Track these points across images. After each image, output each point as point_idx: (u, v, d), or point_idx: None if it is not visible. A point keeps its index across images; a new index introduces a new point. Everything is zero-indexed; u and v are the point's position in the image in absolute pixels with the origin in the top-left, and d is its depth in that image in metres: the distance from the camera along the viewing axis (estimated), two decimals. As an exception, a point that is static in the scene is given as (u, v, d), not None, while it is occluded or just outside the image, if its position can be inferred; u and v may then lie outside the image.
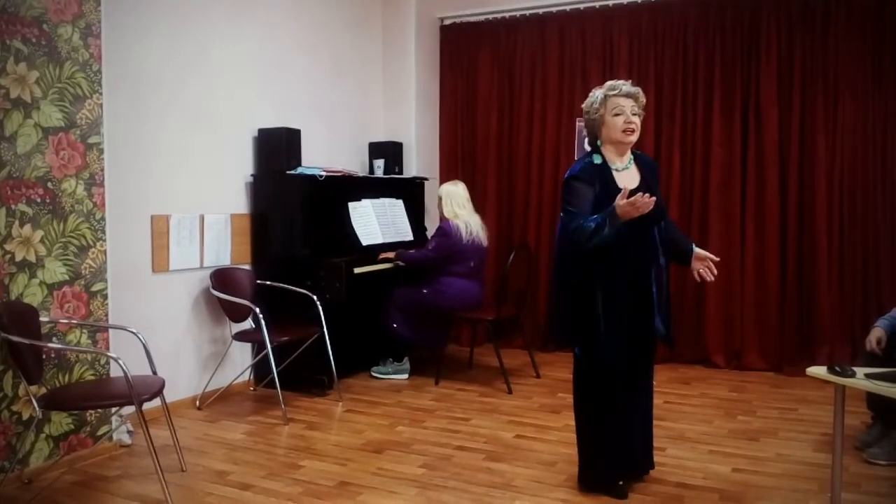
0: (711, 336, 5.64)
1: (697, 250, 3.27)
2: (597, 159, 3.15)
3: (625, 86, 3.12)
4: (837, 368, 2.92)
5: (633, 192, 2.95)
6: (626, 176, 3.14)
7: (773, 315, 5.48)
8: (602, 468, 3.26)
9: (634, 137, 3.12)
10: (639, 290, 3.13)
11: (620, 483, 3.24)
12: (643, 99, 3.17)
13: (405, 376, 5.36)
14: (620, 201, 2.86)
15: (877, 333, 3.60)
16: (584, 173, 3.13)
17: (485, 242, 5.25)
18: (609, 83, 3.17)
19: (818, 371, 2.99)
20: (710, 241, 5.59)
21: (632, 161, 3.20)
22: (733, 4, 5.56)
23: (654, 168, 3.33)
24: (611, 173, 3.13)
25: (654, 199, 2.84)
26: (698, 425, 4.24)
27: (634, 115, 3.10)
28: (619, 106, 3.08)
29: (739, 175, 5.58)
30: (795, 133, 5.42)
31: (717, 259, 3.29)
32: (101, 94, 3.77)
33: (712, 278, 3.24)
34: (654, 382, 3.49)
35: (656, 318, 3.17)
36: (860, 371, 2.92)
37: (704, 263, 3.24)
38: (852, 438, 3.76)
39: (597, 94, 3.17)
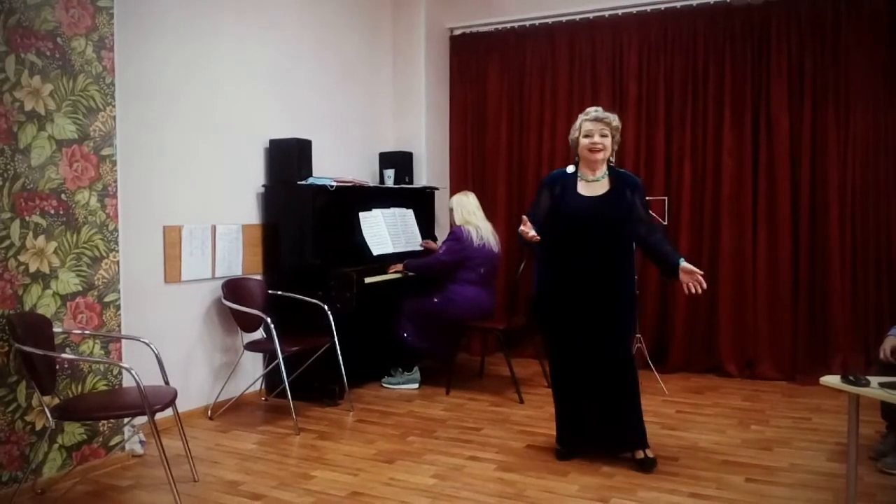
0: (724, 345, 5.60)
1: (684, 264, 3.55)
2: (570, 169, 3.75)
3: (595, 112, 3.66)
4: (851, 378, 2.90)
5: (597, 201, 3.61)
6: (594, 186, 3.66)
7: (786, 324, 5.45)
8: (558, 428, 3.92)
9: (600, 156, 3.63)
10: (575, 292, 3.61)
11: (560, 448, 3.86)
12: (615, 122, 3.67)
13: (416, 386, 5.36)
14: (521, 227, 3.55)
15: (891, 342, 3.56)
16: (550, 179, 3.79)
17: (496, 249, 5.25)
18: (587, 109, 3.73)
19: (832, 380, 2.97)
20: (722, 251, 5.58)
21: (605, 175, 3.67)
22: (742, 12, 5.56)
23: (634, 184, 3.71)
24: (575, 181, 3.68)
25: (534, 235, 3.51)
26: (711, 435, 4.22)
27: (604, 136, 3.61)
28: (589, 129, 3.64)
29: (751, 184, 5.56)
30: (807, 142, 5.40)
31: (702, 273, 3.52)
32: (114, 106, 3.80)
33: (700, 291, 3.52)
34: (638, 381, 3.78)
35: (597, 326, 3.63)
36: (874, 380, 2.90)
37: (693, 278, 3.51)
38: (867, 448, 3.72)
39: (578, 119, 3.73)
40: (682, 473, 3.61)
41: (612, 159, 3.73)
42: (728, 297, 5.58)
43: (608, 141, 3.63)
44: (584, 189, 3.66)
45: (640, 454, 3.68)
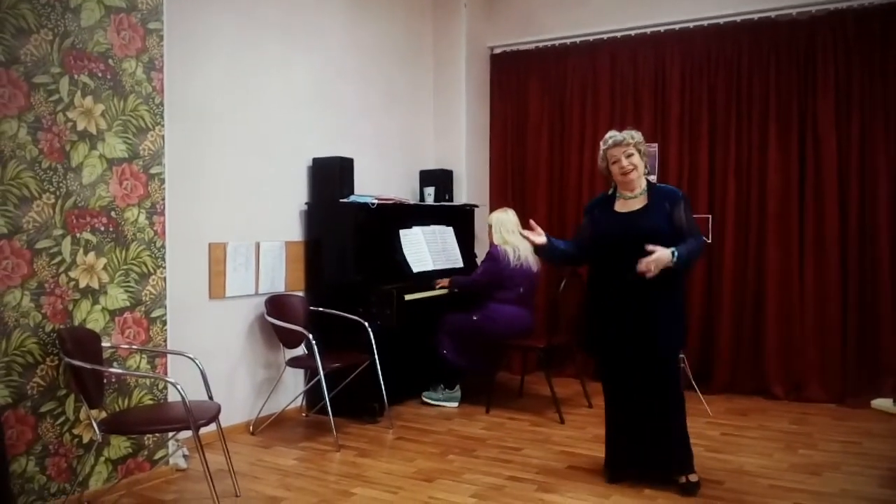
0: (770, 366, 5.48)
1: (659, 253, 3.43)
2: (610, 191, 3.81)
3: (612, 138, 3.66)
4: (905, 401, 2.83)
5: (631, 216, 3.63)
6: (631, 202, 3.67)
7: (835, 345, 5.31)
8: (607, 448, 3.86)
9: (633, 176, 3.63)
10: (617, 309, 3.59)
11: (607, 471, 3.82)
12: (636, 138, 3.65)
13: (455, 404, 5.34)
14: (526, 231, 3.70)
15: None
16: (591, 204, 3.90)
17: (535, 268, 5.23)
18: (605, 136, 3.71)
19: (883, 403, 2.91)
20: (768, 270, 5.48)
21: (643, 192, 3.67)
22: (788, 27, 5.48)
23: (673, 195, 3.68)
24: (613, 201, 3.73)
25: (539, 238, 3.66)
26: (757, 458, 4.13)
27: (629, 156, 3.61)
28: (613, 156, 3.64)
29: (797, 202, 5.46)
30: (855, 158, 5.29)
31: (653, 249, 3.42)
32: (162, 125, 3.89)
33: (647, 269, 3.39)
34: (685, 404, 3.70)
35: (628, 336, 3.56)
36: (929, 404, 2.82)
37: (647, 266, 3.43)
38: (921, 474, 3.61)
39: (600, 148, 3.74)
40: (726, 498, 3.54)
41: (654, 177, 3.68)
42: (774, 316, 5.47)
43: (636, 159, 3.62)
44: (620, 207, 3.69)
45: (682, 479, 3.60)
